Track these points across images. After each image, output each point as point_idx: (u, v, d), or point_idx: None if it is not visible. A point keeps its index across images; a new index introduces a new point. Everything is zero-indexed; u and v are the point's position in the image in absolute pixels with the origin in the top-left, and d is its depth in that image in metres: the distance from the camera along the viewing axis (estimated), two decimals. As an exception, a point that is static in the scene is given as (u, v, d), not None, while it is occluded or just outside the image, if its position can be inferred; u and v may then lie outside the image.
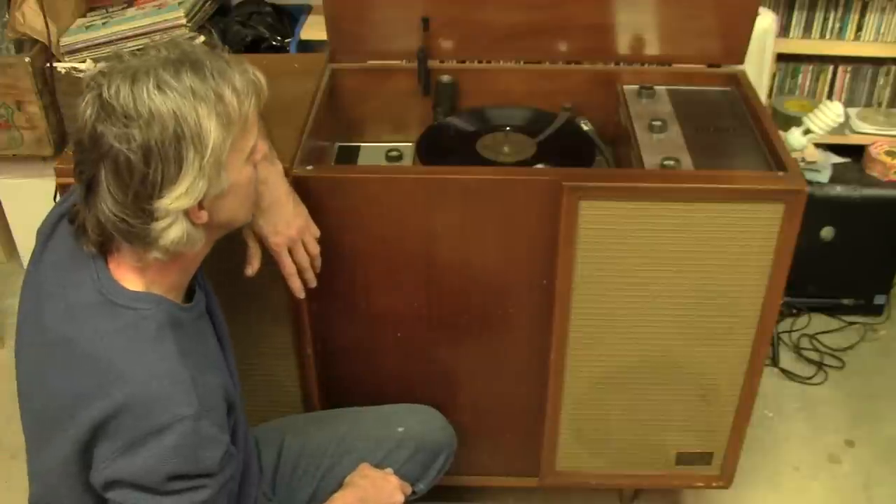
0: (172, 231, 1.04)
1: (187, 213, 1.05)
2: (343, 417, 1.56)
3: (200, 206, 1.06)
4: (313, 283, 1.43)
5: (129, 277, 1.10)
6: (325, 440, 1.51)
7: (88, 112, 1.01)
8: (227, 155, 1.05)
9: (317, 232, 1.41)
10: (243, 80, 1.07)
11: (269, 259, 1.37)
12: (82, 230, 1.08)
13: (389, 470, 1.48)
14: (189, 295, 1.19)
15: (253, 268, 1.36)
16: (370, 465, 1.48)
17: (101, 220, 1.05)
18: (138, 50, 1.07)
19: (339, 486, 1.46)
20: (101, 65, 1.04)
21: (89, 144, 1.01)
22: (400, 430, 1.52)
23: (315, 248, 1.41)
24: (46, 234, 1.18)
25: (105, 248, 1.09)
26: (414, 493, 1.52)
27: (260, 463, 1.47)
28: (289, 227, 1.35)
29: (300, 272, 1.40)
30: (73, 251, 1.12)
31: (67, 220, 1.12)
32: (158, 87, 1.00)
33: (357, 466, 1.48)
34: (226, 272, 1.43)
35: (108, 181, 1.02)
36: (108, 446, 1.05)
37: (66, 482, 1.11)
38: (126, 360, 1.05)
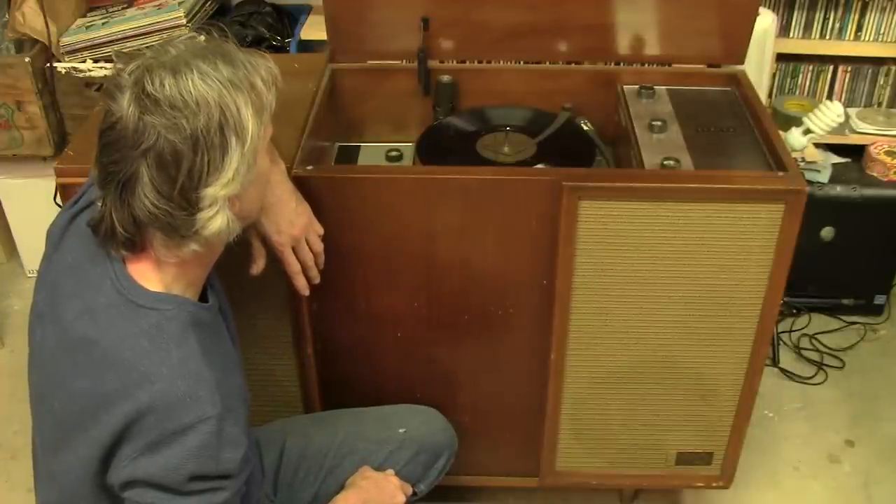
0: (217, 220, 1.05)
1: (228, 202, 1.06)
2: (344, 418, 1.56)
3: (237, 193, 1.07)
4: (317, 280, 1.43)
5: (148, 277, 1.10)
6: (327, 441, 1.51)
7: (131, 109, 1.00)
8: (260, 143, 1.07)
9: (320, 230, 1.41)
10: (267, 70, 1.08)
11: (267, 258, 1.37)
12: (110, 233, 1.07)
13: (391, 471, 1.48)
14: (203, 294, 1.19)
15: (258, 267, 1.37)
16: (373, 465, 1.48)
17: (138, 217, 1.04)
18: (149, 47, 1.08)
19: (341, 487, 1.46)
20: (127, 63, 1.04)
21: (132, 140, 1.01)
22: (401, 431, 1.52)
23: (319, 246, 1.41)
24: (58, 235, 1.18)
25: (134, 248, 1.09)
26: (415, 493, 1.53)
27: (262, 464, 1.47)
28: (292, 225, 1.35)
29: (304, 270, 1.40)
30: (88, 252, 1.12)
31: (90, 228, 1.11)
32: (201, 78, 1.01)
33: (359, 467, 1.48)
34: (225, 271, 1.43)
35: (150, 176, 1.02)
36: (131, 446, 1.05)
37: (84, 484, 1.11)
38: (151, 362, 1.05)
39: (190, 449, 1.04)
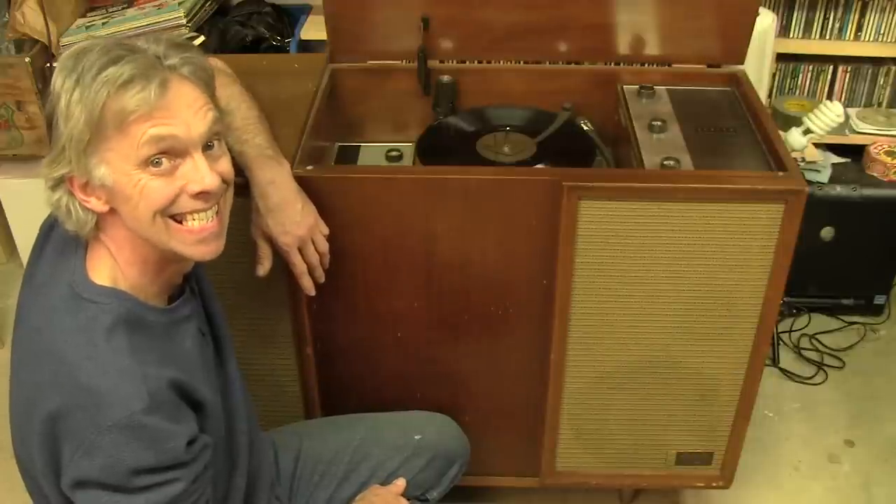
0: (52, 196, 1.07)
1: (67, 187, 1.06)
2: (360, 423, 1.56)
3: (86, 189, 1.06)
4: (322, 280, 1.44)
5: (98, 271, 1.09)
6: (343, 446, 1.51)
7: None
8: (86, 145, 1.02)
9: (326, 230, 1.41)
10: (115, 76, 1.01)
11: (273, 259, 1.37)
12: None
13: (402, 481, 1.48)
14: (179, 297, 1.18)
15: (264, 268, 1.36)
16: (387, 471, 1.49)
17: None
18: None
19: (356, 493, 1.47)
20: None
21: None
22: (417, 437, 1.53)
23: (324, 246, 1.42)
24: (46, 230, 1.19)
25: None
26: (427, 500, 1.53)
27: (278, 467, 1.47)
28: (298, 226, 1.35)
29: (310, 270, 1.40)
30: (64, 245, 1.12)
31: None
32: (60, 67, 1.04)
33: (374, 473, 1.49)
34: (225, 272, 1.43)
35: None
36: (68, 447, 1.04)
37: (44, 478, 1.10)
38: (78, 355, 1.04)
39: (120, 445, 1.02)
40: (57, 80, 1.03)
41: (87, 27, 2.34)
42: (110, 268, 1.10)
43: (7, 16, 2.35)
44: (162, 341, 1.12)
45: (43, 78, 2.32)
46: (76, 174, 1.05)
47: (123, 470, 1.02)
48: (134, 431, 1.02)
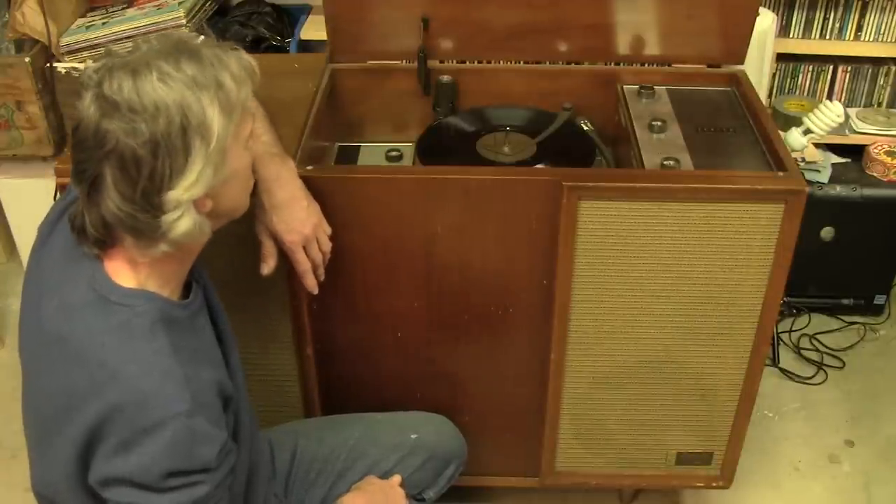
0: (182, 223, 1.03)
1: (195, 204, 1.04)
2: (357, 422, 1.56)
3: (206, 194, 1.05)
4: (323, 278, 1.44)
5: (123, 274, 1.09)
6: (339, 444, 1.51)
7: (91, 110, 1.00)
8: (229, 142, 1.05)
9: (329, 229, 1.42)
10: (239, 65, 1.07)
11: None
12: (82, 231, 1.07)
13: (397, 477, 1.49)
14: (186, 290, 1.18)
15: (269, 266, 1.36)
16: (383, 470, 1.49)
17: (106, 217, 1.03)
18: (128, 46, 1.06)
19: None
20: (96, 62, 1.03)
21: (93, 142, 1.00)
22: (413, 437, 1.53)
23: (327, 245, 1.42)
24: (47, 231, 1.18)
25: (104, 247, 1.08)
26: (423, 500, 1.53)
27: (274, 465, 1.47)
28: (303, 225, 1.36)
29: (313, 269, 1.40)
30: (70, 249, 1.11)
31: (69, 223, 1.11)
32: (161, 79, 0.99)
33: (370, 471, 1.49)
34: (225, 270, 1.43)
35: (114, 178, 1.01)
36: (105, 445, 1.04)
37: (66, 482, 1.11)
38: (118, 359, 1.04)
39: (161, 446, 1.03)
40: (166, 97, 0.99)
41: (88, 27, 2.34)
42: (135, 270, 1.09)
43: (7, 16, 2.35)
44: (191, 336, 1.13)
45: (43, 78, 2.32)
46: (215, 180, 1.04)
47: (158, 471, 1.03)
48: (175, 434, 1.03)
